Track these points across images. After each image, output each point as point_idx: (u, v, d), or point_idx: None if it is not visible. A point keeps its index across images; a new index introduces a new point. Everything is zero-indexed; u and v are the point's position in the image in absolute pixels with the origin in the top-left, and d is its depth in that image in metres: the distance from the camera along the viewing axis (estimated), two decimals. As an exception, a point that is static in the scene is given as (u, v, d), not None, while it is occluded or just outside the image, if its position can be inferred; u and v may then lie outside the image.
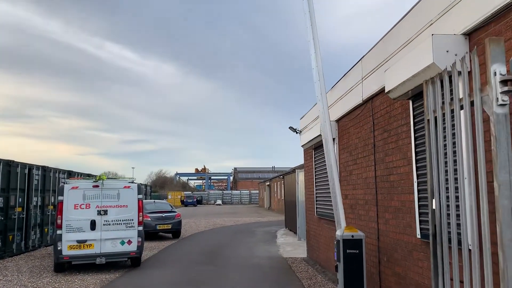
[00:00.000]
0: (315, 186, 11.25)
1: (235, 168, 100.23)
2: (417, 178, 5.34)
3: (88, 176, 18.19)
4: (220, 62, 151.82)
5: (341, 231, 6.53)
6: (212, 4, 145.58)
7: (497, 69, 2.92)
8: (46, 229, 15.59)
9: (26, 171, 14.21)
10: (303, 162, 13.14)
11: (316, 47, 6.92)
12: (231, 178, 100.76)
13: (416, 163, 5.37)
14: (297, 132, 13.04)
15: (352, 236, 6.45)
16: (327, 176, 9.91)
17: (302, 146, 11.80)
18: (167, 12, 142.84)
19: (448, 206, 3.66)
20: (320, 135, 9.40)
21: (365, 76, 7.11)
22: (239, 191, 77.43)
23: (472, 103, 3.20)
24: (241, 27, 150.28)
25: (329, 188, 9.63)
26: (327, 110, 6.82)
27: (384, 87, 5.65)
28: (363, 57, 7.21)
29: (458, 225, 3.53)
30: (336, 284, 7.58)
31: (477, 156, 3.06)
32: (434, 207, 3.87)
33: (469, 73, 3.64)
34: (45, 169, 15.57)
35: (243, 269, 10.74)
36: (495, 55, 2.95)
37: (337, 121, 9.08)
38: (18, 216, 13.64)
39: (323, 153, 10.36)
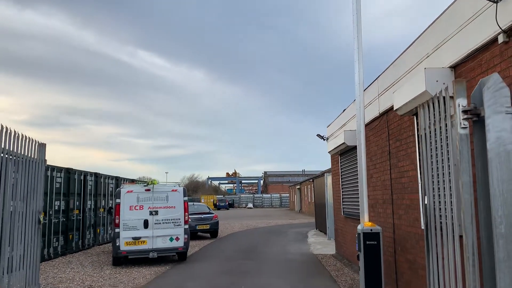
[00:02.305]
0: (342, 188, 12.42)
1: (265, 172, 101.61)
2: (421, 180, 6.49)
3: (134, 180, 19.93)
4: (249, 66, 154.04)
5: (362, 226, 7.74)
6: (240, 9, 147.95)
7: (460, 102, 4.11)
8: (98, 230, 17.33)
9: (82, 177, 15.97)
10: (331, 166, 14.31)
11: (360, 64, 7.81)
12: (262, 182, 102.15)
13: (420, 168, 6.52)
14: (324, 139, 14.23)
15: (371, 230, 7.64)
16: (352, 179, 11.10)
17: (329, 152, 12.99)
18: (197, 20, 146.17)
19: (437, 202, 4.83)
20: (344, 142, 10.61)
21: (381, 93, 8.28)
22: (269, 195, 78.66)
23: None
24: (269, 30, 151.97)
25: (353, 189, 10.81)
26: (363, 126, 8.01)
27: (394, 104, 6.82)
28: (378, 76, 8.39)
29: (445, 216, 4.70)
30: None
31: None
32: (426, 202, 5.05)
33: (451, 97, 4.81)
34: (96, 175, 17.33)
35: (277, 263, 12.01)
36: (458, 92, 4.14)
37: (359, 130, 10.24)
38: (76, 218, 15.39)
39: (348, 159, 11.55)
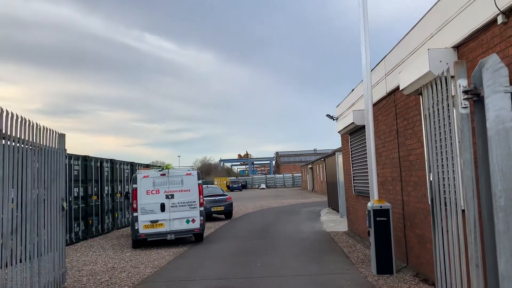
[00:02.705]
0: (352, 167, 12.64)
1: (277, 152, 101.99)
2: (427, 158, 6.68)
3: (149, 165, 20.38)
4: (258, 47, 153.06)
5: (371, 203, 7.99)
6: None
7: (461, 83, 4.28)
8: (116, 214, 17.85)
9: (98, 164, 16.40)
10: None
11: (367, 44, 7.99)
12: (274, 162, 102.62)
13: (425, 146, 6.71)
14: (334, 119, 14.39)
15: (381, 207, 7.90)
16: (362, 157, 11.31)
17: (338, 132, 13.17)
18: (203, 1, 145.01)
19: (441, 179, 5.05)
20: (353, 122, 10.79)
21: (387, 73, 8.42)
22: (282, 175, 79.11)
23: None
24: (277, 10, 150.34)
25: (363, 168, 11.03)
26: (371, 106, 8.18)
27: (400, 84, 6.98)
28: (385, 56, 8.51)
29: (449, 192, 4.92)
30: (370, 248, 9.02)
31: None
32: (431, 179, 5.27)
33: (453, 77, 4.97)
34: (112, 162, 17.77)
35: (290, 241, 12.37)
36: (459, 73, 4.31)
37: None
38: (95, 204, 15.88)
39: (358, 138, 11.74)
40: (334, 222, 16.85)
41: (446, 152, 4.75)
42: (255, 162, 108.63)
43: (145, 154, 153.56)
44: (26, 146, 6.19)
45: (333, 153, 23.34)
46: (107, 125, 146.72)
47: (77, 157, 14.63)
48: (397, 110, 8.15)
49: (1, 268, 5.26)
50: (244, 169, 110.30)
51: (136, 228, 12.03)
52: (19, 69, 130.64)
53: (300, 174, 72.06)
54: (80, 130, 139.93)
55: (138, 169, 18.03)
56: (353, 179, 12.60)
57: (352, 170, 12.63)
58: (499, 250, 3.96)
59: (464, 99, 4.25)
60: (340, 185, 18.57)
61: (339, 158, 18.46)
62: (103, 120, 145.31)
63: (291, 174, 78.08)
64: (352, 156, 12.55)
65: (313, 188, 50.12)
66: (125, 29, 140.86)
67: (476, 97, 4.21)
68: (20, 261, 5.92)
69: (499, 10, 4.31)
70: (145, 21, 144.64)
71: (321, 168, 40.34)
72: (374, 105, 9.76)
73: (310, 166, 52.14)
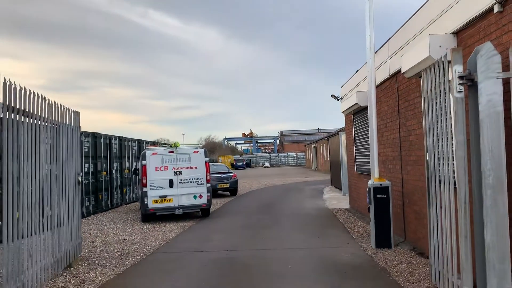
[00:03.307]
0: (355, 146, 12.98)
1: (281, 131, 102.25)
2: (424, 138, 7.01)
3: (155, 143, 20.81)
4: (262, 23, 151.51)
5: (372, 181, 8.36)
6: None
7: (457, 69, 4.58)
8: (124, 190, 18.36)
9: (107, 141, 16.82)
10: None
11: (371, 27, 8.23)
12: (278, 141, 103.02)
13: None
14: (338, 99, 14.66)
15: (381, 184, 8.27)
16: (364, 137, 11.63)
17: (342, 112, 13.46)
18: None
19: (436, 158, 5.39)
20: (356, 103, 11.08)
21: (391, 55, 8.67)
22: (285, 154, 79.61)
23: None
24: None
25: (366, 147, 11.36)
26: (374, 88, 8.46)
27: (403, 67, 7.26)
28: (389, 39, 8.74)
29: (443, 170, 5.27)
30: (370, 224, 9.44)
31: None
32: (427, 158, 5.61)
33: (450, 63, 5.25)
34: (120, 139, 18.18)
35: (294, 217, 12.82)
36: (455, 59, 4.61)
37: (371, 90, 10.67)
38: (104, 179, 16.37)
39: (361, 118, 12.04)
40: (337, 200, 17.29)
41: (442, 133, 5.08)
42: (259, 141, 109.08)
43: (150, 131, 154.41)
44: (46, 124, 6.56)
45: (337, 132, 23.64)
46: (112, 102, 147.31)
47: (87, 134, 15.03)
48: (399, 92, 8.43)
49: (26, 237, 5.70)
50: (248, 147, 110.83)
51: (145, 202, 12.49)
52: (24, 44, 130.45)
53: (304, 153, 72.50)
54: (85, 106, 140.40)
55: (146, 146, 18.49)
56: (356, 158, 12.96)
57: (355, 149, 12.97)
58: (486, 223, 4.34)
59: (459, 84, 4.57)
60: (343, 164, 18.96)
61: (343, 138, 18.78)
62: (107, 97, 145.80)
63: (295, 153, 78.57)
64: (355, 135, 12.87)
65: (317, 167, 50.61)
66: (129, 5, 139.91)
67: (470, 82, 4.52)
68: (43, 231, 6.36)
69: (495, 0, 4.57)
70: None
71: (324, 147, 40.70)
72: (377, 86, 10.03)
73: (314, 145, 52.51)
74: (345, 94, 13.82)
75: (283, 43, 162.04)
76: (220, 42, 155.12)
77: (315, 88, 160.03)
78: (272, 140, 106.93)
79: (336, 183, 22.84)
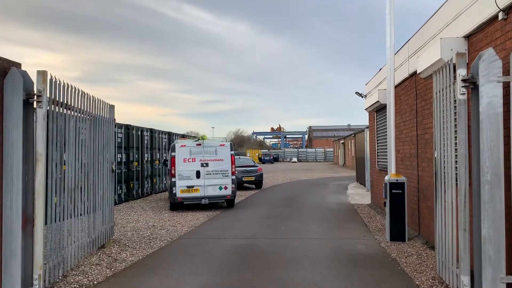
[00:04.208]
0: (377, 143, 13.24)
1: (309, 127, 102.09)
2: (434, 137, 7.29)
3: (185, 135, 21.55)
4: (294, 18, 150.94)
5: (388, 176, 8.69)
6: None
7: (460, 72, 4.90)
8: (154, 180, 19.18)
9: (139, 132, 17.63)
10: (368, 122, 15.04)
11: (391, 27, 8.56)
12: (306, 136, 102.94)
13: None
14: (362, 97, 14.90)
15: (397, 180, 8.59)
16: (385, 134, 11.90)
17: (365, 109, 13.73)
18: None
19: (443, 155, 5.71)
20: (378, 101, 11.36)
21: (410, 55, 8.93)
22: (313, 149, 79.53)
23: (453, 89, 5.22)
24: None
25: (386, 144, 11.62)
26: (393, 87, 8.77)
27: (419, 67, 7.55)
28: (409, 40, 9.00)
29: (448, 167, 5.60)
30: (387, 219, 9.75)
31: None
32: (435, 156, 5.93)
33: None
34: (152, 131, 18.98)
35: (316, 210, 13.23)
36: (459, 63, 4.93)
37: (393, 89, 10.93)
38: (135, 169, 17.19)
39: (382, 116, 12.30)
40: (360, 196, 17.55)
41: (448, 132, 5.41)
42: (287, 136, 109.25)
43: (179, 123, 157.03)
44: (85, 116, 7.22)
45: (363, 129, 23.78)
46: (144, 94, 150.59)
47: (120, 126, 15.84)
48: (417, 91, 8.70)
49: (65, 219, 6.38)
50: (277, 142, 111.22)
51: (174, 192, 13.18)
52: (59, 37, 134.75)
53: (332, 149, 72.29)
54: (117, 99, 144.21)
55: (176, 138, 19.24)
56: (377, 155, 13.23)
57: (377, 146, 13.24)
58: (483, 217, 4.68)
59: (462, 86, 4.90)
60: (367, 161, 19.14)
61: (367, 134, 18.97)
62: (139, 90, 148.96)
63: (323, 149, 78.39)
64: (377, 132, 13.13)
65: (344, 163, 50.53)
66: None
67: (472, 85, 4.85)
68: (81, 215, 7.04)
69: (499, 8, 4.85)
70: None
71: (352, 144, 40.64)
72: (398, 85, 10.30)
73: (342, 141, 52.40)
74: (369, 91, 14.07)
75: (314, 37, 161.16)
76: (252, 37, 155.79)
77: (346, 83, 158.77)
78: (301, 135, 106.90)
79: (361, 179, 23.02)
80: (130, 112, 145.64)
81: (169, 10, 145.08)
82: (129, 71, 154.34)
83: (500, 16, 4.95)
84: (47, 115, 5.60)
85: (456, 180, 5.09)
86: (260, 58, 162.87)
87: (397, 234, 8.50)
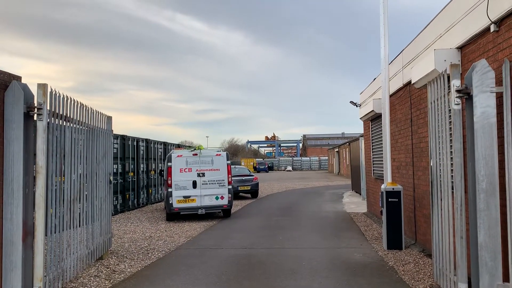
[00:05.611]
0: (372, 152, 13.35)
1: (304, 135, 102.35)
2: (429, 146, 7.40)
3: (180, 145, 21.57)
4: (288, 28, 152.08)
5: (385, 185, 8.78)
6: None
7: (455, 83, 5.02)
8: (150, 190, 19.15)
9: (135, 143, 17.64)
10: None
11: (385, 38, 8.70)
12: (301, 145, 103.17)
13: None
14: (357, 106, 15.05)
15: (393, 188, 8.67)
16: (380, 143, 12.02)
17: (360, 118, 13.86)
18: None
19: (439, 164, 5.81)
20: (373, 110, 11.49)
21: (404, 65, 9.07)
22: (308, 158, 79.71)
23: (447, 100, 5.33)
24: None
25: (382, 153, 11.74)
26: (387, 97, 8.89)
27: (414, 77, 7.68)
28: (402, 50, 9.15)
29: (444, 176, 5.69)
30: (384, 227, 9.82)
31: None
32: (431, 164, 6.03)
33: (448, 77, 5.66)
34: (147, 141, 19.00)
35: (312, 219, 13.28)
36: (453, 74, 5.04)
37: (387, 98, 11.07)
38: (131, 180, 17.17)
39: (377, 125, 12.42)
40: (356, 204, 17.63)
41: (443, 141, 5.51)
42: (282, 145, 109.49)
43: (174, 133, 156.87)
44: (83, 127, 7.25)
45: (358, 138, 23.94)
46: (137, 104, 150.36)
47: (116, 136, 15.84)
48: (412, 100, 8.83)
49: (63, 231, 6.39)
50: (271, 151, 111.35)
51: (170, 202, 13.18)
52: (53, 47, 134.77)
53: (326, 158, 72.49)
54: (111, 108, 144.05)
55: (172, 149, 19.28)
56: (373, 164, 13.33)
57: (372, 155, 13.35)
58: (479, 224, 4.77)
59: (456, 97, 5.00)
60: (363, 169, 19.26)
61: (363, 143, 19.10)
62: (133, 99, 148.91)
63: (317, 157, 78.59)
64: (372, 141, 13.25)
65: (339, 172, 50.69)
66: (157, 8, 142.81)
67: (466, 96, 4.96)
68: (79, 226, 7.05)
69: (491, 20, 4.99)
70: (177, 1, 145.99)
71: (347, 152, 40.81)
72: (392, 94, 10.44)
73: (337, 149, 52.62)
74: (363, 101, 14.21)
75: (308, 47, 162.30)
76: (245, 46, 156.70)
77: (340, 92, 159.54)
78: (295, 144, 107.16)
79: (356, 187, 23.12)
80: (125, 122, 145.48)
81: (163, 20, 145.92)
82: (123, 81, 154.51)
83: (492, 28, 5.08)
84: (47, 127, 5.64)
85: (452, 188, 5.18)
86: (254, 67, 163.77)
87: (394, 242, 8.57)
